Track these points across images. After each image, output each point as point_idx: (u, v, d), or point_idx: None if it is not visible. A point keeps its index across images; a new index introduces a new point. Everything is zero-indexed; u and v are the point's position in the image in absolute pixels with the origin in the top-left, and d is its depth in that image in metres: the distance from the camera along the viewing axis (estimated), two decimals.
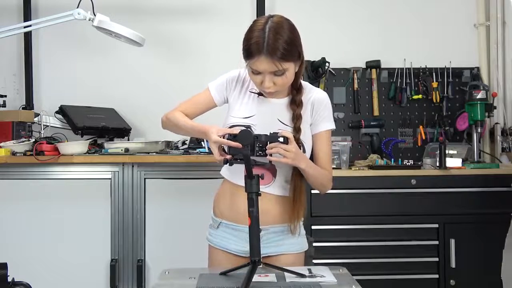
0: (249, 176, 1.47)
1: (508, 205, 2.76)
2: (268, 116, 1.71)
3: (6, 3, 3.40)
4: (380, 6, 3.51)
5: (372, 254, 2.80)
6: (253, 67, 1.59)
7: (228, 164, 1.56)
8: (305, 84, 1.77)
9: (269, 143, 1.56)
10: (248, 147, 1.52)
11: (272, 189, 1.71)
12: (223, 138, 1.59)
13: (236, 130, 1.57)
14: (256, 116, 1.72)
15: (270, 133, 1.59)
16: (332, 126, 1.77)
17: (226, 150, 1.61)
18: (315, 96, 1.75)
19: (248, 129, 1.58)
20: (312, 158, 1.75)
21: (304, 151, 1.70)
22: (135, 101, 3.40)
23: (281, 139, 1.55)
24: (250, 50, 1.56)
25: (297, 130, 1.68)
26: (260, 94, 1.74)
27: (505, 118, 3.42)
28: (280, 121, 1.71)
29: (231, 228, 1.76)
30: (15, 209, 2.74)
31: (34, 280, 1.54)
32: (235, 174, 1.73)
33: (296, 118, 1.69)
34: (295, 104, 1.70)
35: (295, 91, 1.72)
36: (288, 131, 1.62)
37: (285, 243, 1.74)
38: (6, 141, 2.79)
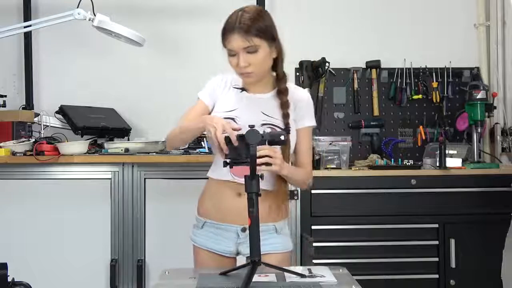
0: (252, 177, 1.47)
1: (508, 205, 2.76)
2: (251, 109, 1.74)
3: (6, 3, 3.39)
4: (380, 6, 3.50)
5: (372, 254, 2.80)
6: (228, 47, 1.68)
7: (228, 166, 1.54)
8: (289, 84, 1.81)
9: (269, 142, 1.54)
10: (255, 147, 1.49)
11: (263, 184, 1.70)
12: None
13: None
14: (239, 110, 1.75)
15: (264, 131, 1.55)
16: (313, 123, 1.82)
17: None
18: (297, 95, 1.80)
19: (254, 128, 1.53)
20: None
21: (289, 146, 1.73)
22: (135, 101, 3.39)
23: (282, 137, 1.54)
24: (224, 30, 1.69)
25: (285, 115, 1.72)
26: (243, 89, 1.78)
27: (505, 118, 3.41)
28: (264, 113, 1.74)
29: (215, 227, 1.77)
30: (15, 209, 2.73)
31: (34, 280, 1.54)
32: (217, 169, 1.72)
33: (284, 107, 1.73)
34: (282, 92, 1.75)
35: (278, 81, 1.77)
36: (282, 131, 1.64)
37: (270, 242, 1.75)
38: (6, 141, 2.79)
